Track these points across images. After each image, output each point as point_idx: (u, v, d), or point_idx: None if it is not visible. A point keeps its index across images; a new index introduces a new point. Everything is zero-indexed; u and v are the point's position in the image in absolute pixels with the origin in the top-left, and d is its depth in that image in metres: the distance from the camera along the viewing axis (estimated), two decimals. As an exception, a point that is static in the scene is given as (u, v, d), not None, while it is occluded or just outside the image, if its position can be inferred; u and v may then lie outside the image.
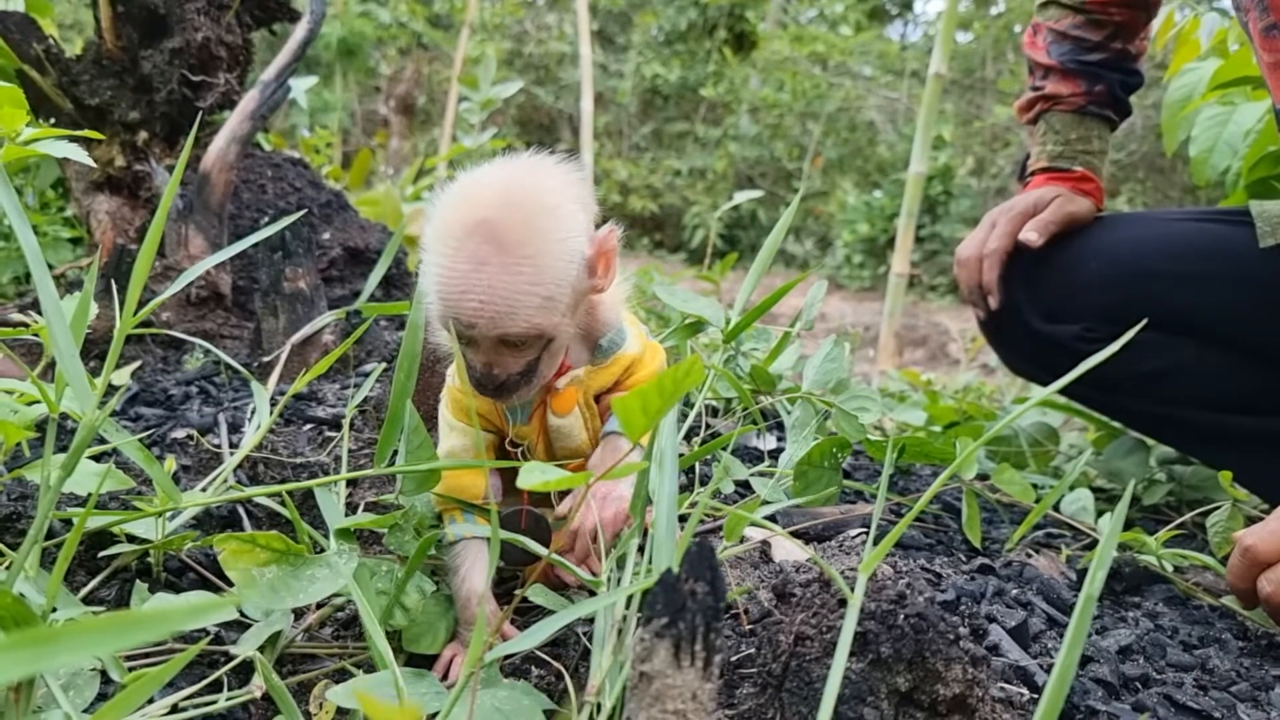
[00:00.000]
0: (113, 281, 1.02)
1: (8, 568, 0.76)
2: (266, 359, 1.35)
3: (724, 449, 1.03)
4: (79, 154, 0.94)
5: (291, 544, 0.77)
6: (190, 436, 1.11)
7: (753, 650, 0.70)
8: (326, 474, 1.10)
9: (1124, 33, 1.48)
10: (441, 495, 0.82)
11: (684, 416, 1.11)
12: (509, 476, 0.86)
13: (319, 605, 0.87)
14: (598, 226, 0.77)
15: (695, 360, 0.62)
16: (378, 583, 0.79)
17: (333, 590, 0.73)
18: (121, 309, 0.97)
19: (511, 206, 0.69)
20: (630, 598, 0.77)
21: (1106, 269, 1.41)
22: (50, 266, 2.31)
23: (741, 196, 2.88)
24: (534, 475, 0.67)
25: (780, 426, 1.53)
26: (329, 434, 1.18)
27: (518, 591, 0.77)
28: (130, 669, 0.75)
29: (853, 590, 0.61)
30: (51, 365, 1.15)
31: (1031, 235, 1.40)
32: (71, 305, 0.74)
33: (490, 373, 0.73)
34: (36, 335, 0.91)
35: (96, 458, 0.99)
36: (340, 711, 0.77)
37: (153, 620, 0.30)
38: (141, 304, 1.56)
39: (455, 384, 0.82)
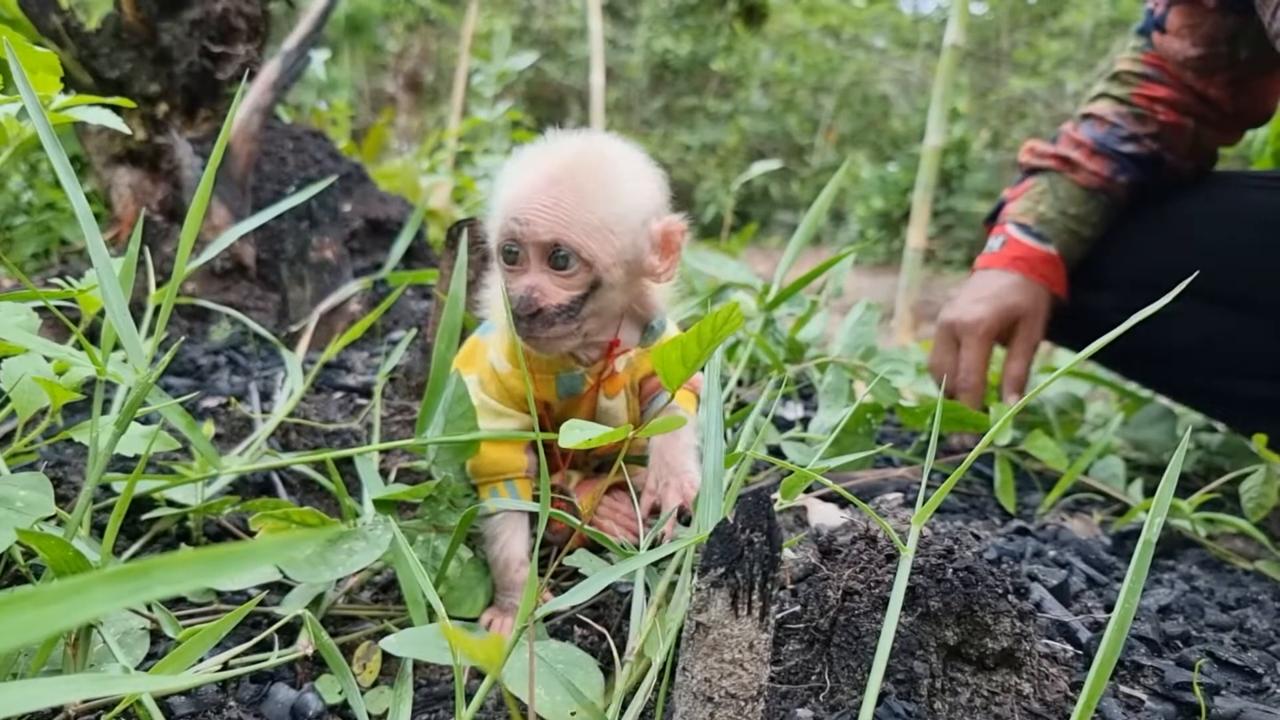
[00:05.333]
0: (146, 250, 1.02)
1: (57, 526, 0.77)
2: (294, 329, 1.35)
3: (761, 413, 1.03)
4: (114, 121, 0.94)
5: (326, 519, 0.77)
6: (226, 404, 1.12)
7: (799, 607, 0.71)
8: (359, 440, 1.10)
9: (1165, 138, 1.40)
10: (479, 473, 0.82)
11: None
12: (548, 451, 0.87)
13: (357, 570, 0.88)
14: None
15: (734, 307, 0.61)
16: (415, 552, 0.80)
17: (370, 562, 0.73)
18: (151, 279, 0.98)
19: (594, 155, 0.73)
20: (673, 556, 0.78)
21: (1143, 238, 1.40)
22: (67, 242, 2.32)
23: (759, 168, 2.86)
24: (574, 434, 0.67)
25: (805, 395, 1.53)
26: (359, 401, 1.19)
27: (562, 559, 0.77)
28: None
29: (904, 543, 0.62)
30: (88, 333, 1.15)
31: (1013, 399, 1.37)
32: (116, 268, 0.74)
33: (531, 295, 0.71)
34: (74, 301, 0.91)
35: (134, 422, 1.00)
36: (383, 672, 0.78)
37: (244, 554, 0.30)
38: (165, 275, 1.56)
39: (503, 369, 0.81)
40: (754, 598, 0.54)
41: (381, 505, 0.85)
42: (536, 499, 0.79)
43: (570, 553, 0.81)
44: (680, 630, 0.62)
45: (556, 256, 0.71)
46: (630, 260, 0.74)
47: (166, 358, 0.71)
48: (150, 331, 1.07)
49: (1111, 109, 1.42)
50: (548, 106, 10.81)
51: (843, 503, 1.02)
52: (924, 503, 0.64)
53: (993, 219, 1.52)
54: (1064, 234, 1.40)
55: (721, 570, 0.54)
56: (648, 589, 0.72)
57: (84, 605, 0.28)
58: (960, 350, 1.36)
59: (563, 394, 0.82)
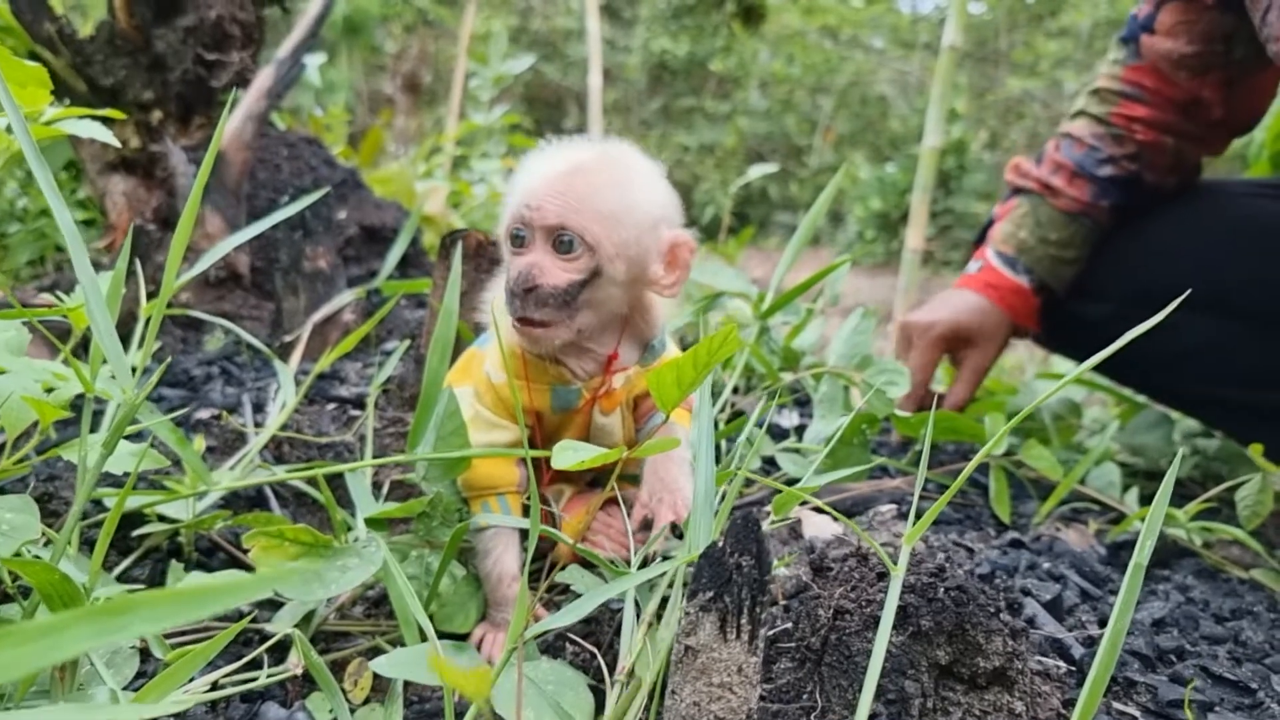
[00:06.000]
0: (138, 261, 1.01)
1: (45, 545, 0.76)
2: (288, 339, 1.35)
3: (756, 424, 1.03)
4: (104, 134, 0.93)
5: (320, 536, 0.77)
6: (219, 416, 1.11)
7: (790, 625, 0.70)
8: (352, 453, 1.10)
9: (1143, 158, 1.38)
10: (472, 486, 0.82)
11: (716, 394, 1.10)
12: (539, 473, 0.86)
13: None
14: None
15: (731, 329, 0.61)
16: (407, 568, 0.79)
17: (364, 579, 0.73)
18: (143, 289, 0.97)
19: (613, 154, 0.76)
20: (666, 575, 0.77)
21: (1137, 247, 1.39)
22: (62, 249, 2.31)
23: (757, 170, 2.85)
24: (567, 455, 0.66)
25: (800, 403, 1.52)
26: (353, 413, 1.19)
27: (555, 576, 0.77)
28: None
29: (895, 562, 0.61)
30: (79, 346, 1.15)
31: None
32: (104, 282, 0.74)
33: (529, 271, 0.72)
34: (65, 317, 0.91)
35: (125, 438, 1.00)
36: (374, 689, 0.77)
37: (227, 590, 0.30)
38: (158, 284, 1.55)
39: (498, 379, 0.81)
40: (743, 621, 0.54)
41: (373, 523, 0.84)
42: (528, 512, 0.79)
43: (563, 568, 0.80)
44: (670, 651, 0.61)
45: (561, 241, 0.72)
46: (634, 257, 0.74)
47: (156, 375, 0.70)
48: (141, 343, 1.07)
49: (1089, 130, 1.41)
50: (546, 108, 10.81)
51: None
52: (916, 519, 0.64)
53: (981, 238, 1.51)
54: (1045, 260, 1.40)
55: (710, 594, 0.54)
56: (638, 606, 0.71)
57: (65, 643, 0.28)
58: (910, 352, 1.39)
59: (557, 408, 0.81)
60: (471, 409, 0.81)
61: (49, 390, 0.79)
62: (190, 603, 0.29)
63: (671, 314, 0.85)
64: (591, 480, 0.94)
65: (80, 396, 0.90)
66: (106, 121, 0.96)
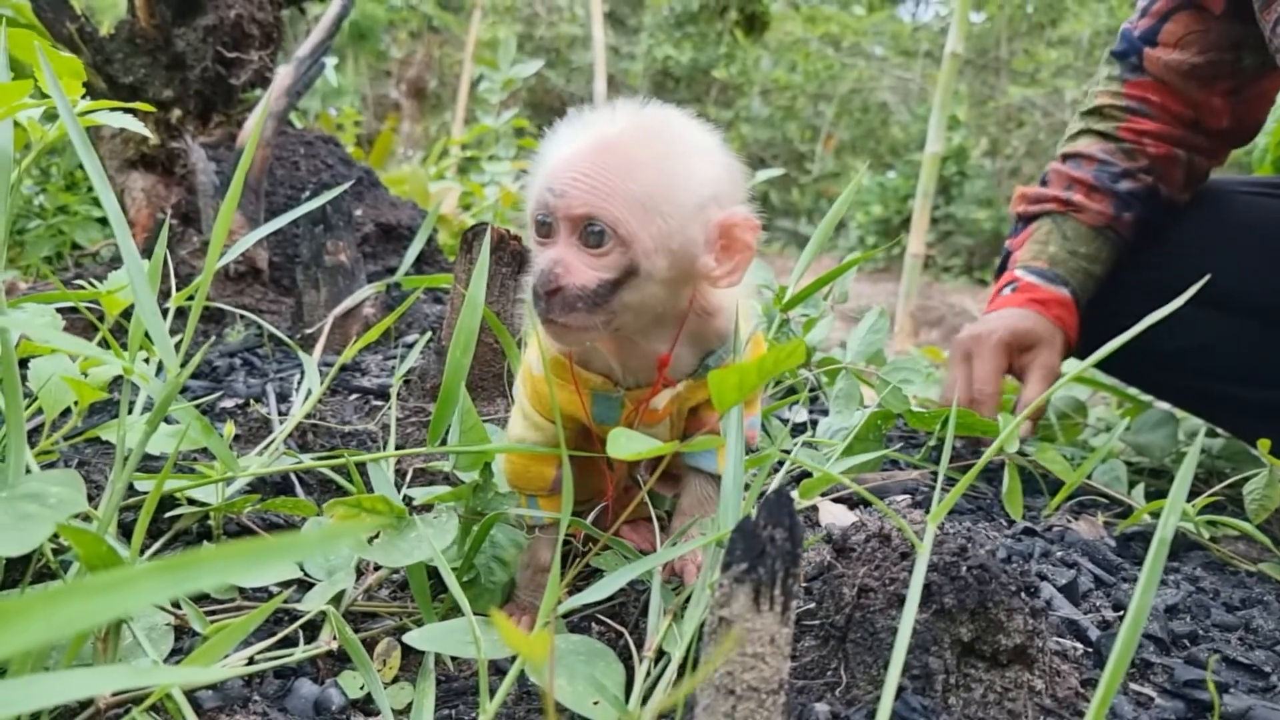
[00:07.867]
0: (164, 255, 1.03)
1: (83, 520, 0.78)
2: (309, 331, 1.36)
3: (779, 419, 1.05)
4: (135, 125, 0.96)
5: (395, 505, 0.78)
6: (245, 404, 1.13)
7: (814, 604, 0.72)
8: (375, 441, 1.11)
9: (1157, 170, 1.37)
10: (508, 480, 0.82)
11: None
12: (580, 471, 0.84)
13: (376, 567, 0.89)
14: None
15: (799, 344, 0.61)
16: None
17: (441, 547, 0.73)
18: (173, 280, 0.99)
19: (652, 124, 0.65)
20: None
21: (1145, 245, 1.41)
22: (79, 246, 2.33)
23: (761, 175, 2.88)
24: (622, 444, 0.67)
25: (810, 399, 1.54)
26: (375, 403, 1.20)
27: (589, 559, 0.79)
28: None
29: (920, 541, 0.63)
30: (111, 332, 1.17)
31: (1025, 428, 1.33)
32: (144, 269, 0.75)
33: (553, 270, 0.62)
34: (98, 303, 0.93)
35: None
36: (402, 669, 0.79)
37: (282, 549, 0.29)
38: (180, 278, 1.57)
39: (537, 371, 0.75)
40: (776, 593, 0.55)
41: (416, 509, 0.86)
42: (576, 514, 0.77)
43: (602, 551, 0.82)
44: (702, 625, 0.63)
45: (589, 232, 0.62)
46: (678, 250, 0.64)
47: (195, 359, 0.72)
48: (193, 325, 1.09)
49: (1099, 146, 1.39)
50: (550, 114, 10.80)
51: (852, 503, 1.03)
52: (939, 502, 0.66)
53: (1001, 271, 1.47)
54: (1078, 273, 1.36)
55: (744, 566, 0.55)
56: (664, 591, 0.73)
57: (134, 595, 0.27)
58: (974, 362, 1.32)
59: (598, 417, 0.76)
60: (518, 398, 0.80)
61: (86, 372, 0.81)
62: (271, 554, 0.29)
63: (743, 306, 0.73)
64: (625, 488, 0.94)
65: (116, 379, 0.92)
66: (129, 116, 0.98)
